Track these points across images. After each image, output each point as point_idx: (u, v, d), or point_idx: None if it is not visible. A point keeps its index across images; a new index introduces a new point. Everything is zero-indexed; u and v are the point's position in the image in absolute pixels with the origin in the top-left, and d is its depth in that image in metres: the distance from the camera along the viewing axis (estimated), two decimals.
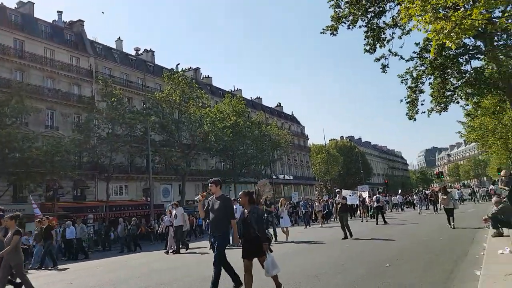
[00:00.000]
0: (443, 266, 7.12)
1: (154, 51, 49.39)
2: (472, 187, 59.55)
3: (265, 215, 13.15)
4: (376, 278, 6.53)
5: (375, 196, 22.31)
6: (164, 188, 41.24)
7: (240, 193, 6.32)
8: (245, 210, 5.94)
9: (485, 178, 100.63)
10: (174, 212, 14.07)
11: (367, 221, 22.44)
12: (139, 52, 48.37)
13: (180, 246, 13.91)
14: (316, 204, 23.75)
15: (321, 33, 13.27)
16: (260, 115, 51.13)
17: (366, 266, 7.76)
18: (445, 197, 14.68)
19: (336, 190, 20.43)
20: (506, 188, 9.88)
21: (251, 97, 65.36)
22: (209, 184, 6.32)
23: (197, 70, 55.37)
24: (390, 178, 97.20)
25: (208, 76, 57.47)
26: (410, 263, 7.81)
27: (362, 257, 9.03)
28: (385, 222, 18.42)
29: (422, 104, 13.68)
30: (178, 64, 48.59)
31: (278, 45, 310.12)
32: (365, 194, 26.58)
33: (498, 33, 11.25)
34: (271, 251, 5.94)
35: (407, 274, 6.73)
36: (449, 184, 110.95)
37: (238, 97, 44.53)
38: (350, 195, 23.09)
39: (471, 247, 9.08)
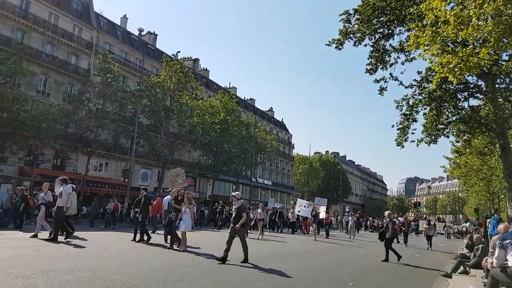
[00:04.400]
0: None
1: (157, 35, 48.94)
2: (447, 223, 60.47)
3: (171, 214, 11.49)
4: None
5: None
6: (143, 172, 40.85)
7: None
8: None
9: (460, 216, 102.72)
10: (60, 189, 11.05)
11: (315, 239, 19.66)
12: (142, 33, 47.90)
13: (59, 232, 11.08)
14: (258, 211, 20.10)
15: (326, 45, 13.34)
16: (250, 116, 51.08)
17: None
18: (427, 226, 21.45)
19: (295, 200, 20.25)
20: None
21: (244, 97, 65.35)
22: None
23: (196, 61, 55.05)
24: (367, 200, 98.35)
25: (206, 69, 57.18)
26: (374, 285, 7.83)
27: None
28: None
29: (413, 133, 13.82)
30: (179, 51, 48.08)
31: (282, 51, 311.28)
32: (322, 209, 24.15)
33: (501, 76, 11.45)
34: None
35: None
36: (425, 216, 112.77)
37: (231, 95, 44.36)
38: (305, 206, 21.98)
39: (436, 281, 9.14)
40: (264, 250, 12.89)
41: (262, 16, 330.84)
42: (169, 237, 11.74)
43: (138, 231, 12.70)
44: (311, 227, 22.04)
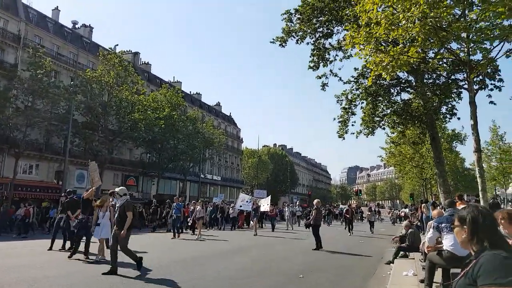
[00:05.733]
0: (353, 283, 7.49)
1: (93, 27, 46.24)
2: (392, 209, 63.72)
3: (83, 217, 9.95)
4: None
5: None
6: (79, 173, 38.43)
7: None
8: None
9: (398, 201, 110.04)
10: None
11: (256, 234, 18.76)
12: (77, 26, 44.98)
13: None
14: (197, 209, 18.03)
15: (271, 42, 13.61)
16: (197, 111, 50.26)
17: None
18: (369, 213, 25.88)
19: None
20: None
21: (190, 91, 64.10)
22: None
23: (136, 54, 52.90)
24: (313, 190, 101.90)
25: (148, 62, 55.22)
26: (322, 275, 8.13)
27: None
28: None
29: (352, 125, 14.52)
30: (117, 45, 46.13)
31: (227, 44, 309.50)
32: (265, 202, 22.92)
33: (429, 72, 12.41)
34: None
35: (319, 287, 6.95)
36: (366, 202, 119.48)
37: (176, 89, 43.19)
38: (247, 201, 21.92)
39: (379, 266, 9.71)
40: (199, 251, 12.02)
41: (207, 8, 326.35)
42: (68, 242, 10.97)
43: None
44: (251, 222, 21.38)
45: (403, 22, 6.65)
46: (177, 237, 16.84)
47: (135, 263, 7.93)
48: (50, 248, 11.51)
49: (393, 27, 6.87)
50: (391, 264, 9.50)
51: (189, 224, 19.74)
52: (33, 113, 28.18)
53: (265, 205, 22.49)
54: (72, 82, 34.39)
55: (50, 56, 34.90)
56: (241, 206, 22.41)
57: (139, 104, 34.68)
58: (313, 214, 13.21)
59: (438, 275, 5.92)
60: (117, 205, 8.22)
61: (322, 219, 25.21)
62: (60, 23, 41.44)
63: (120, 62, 34.15)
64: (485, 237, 1.93)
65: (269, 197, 24.68)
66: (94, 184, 10.89)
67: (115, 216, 8.04)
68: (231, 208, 25.71)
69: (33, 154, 32.85)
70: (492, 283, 1.72)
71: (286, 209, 25.75)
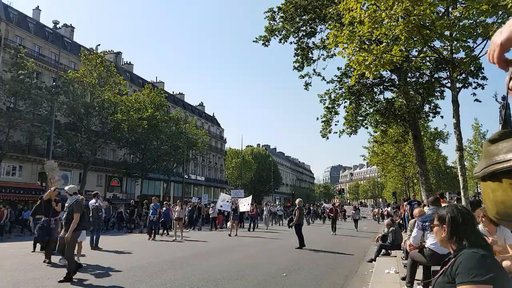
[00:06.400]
0: (335, 281, 7.50)
1: (74, 27, 45.52)
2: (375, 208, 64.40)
3: (45, 219, 9.45)
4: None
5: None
6: (63, 174, 37.60)
7: None
8: None
9: (380, 199, 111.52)
10: None
11: (236, 235, 18.43)
12: (58, 26, 44.16)
13: None
14: (176, 209, 17.07)
15: (253, 41, 13.44)
16: (180, 111, 49.87)
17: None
18: (354, 212, 26.28)
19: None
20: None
21: (173, 92, 63.61)
22: None
23: (118, 54, 52.14)
24: (297, 189, 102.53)
25: (130, 62, 54.50)
26: (305, 273, 8.11)
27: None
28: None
29: (335, 125, 14.50)
30: (99, 45, 45.37)
31: (209, 44, 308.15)
32: (245, 201, 22.23)
33: (412, 70, 12.51)
34: None
35: (302, 285, 6.93)
36: (348, 201, 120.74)
37: (158, 89, 42.72)
38: (227, 201, 21.44)
39: (361, 264, 9.76)
40: (181, 252, 11.85)
41: (189, 7, 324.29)
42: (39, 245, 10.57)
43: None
44: (228, 222, 20.60)
45: (386, 20, 6.66)
46: (152, 239, 16.23)
47: (66, 272, 6.98)
48: (33, 250, 11.27)
49: (376, 26, 6.88)
50: (373, 262, 9.57)
51: (168, 226, 19.34)
52: (15, 114, 27.75)
53: (245, 204, 21.88)
54: (54, 83, 33.73)
55: (32, 56, 34.26)
56: (221, 206, 21.89)
57: (121, 105, 34.24)
58: (296, 214, 13.19)
59: (419, 273, 5.96)
60: (66, 205, 7.53)
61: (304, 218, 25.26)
62: (41, 23, 40.70)
63: (102, 63, 33.70)
64: (464, 236, 1.94)
65: (250, 196, 23.98)
66: (53, 184, 10.28)
67: (63, 217, 7.45)
68: (211, 208, 25.28)
69: (16, 155, 32.27)
70: (470, 281, 1.72)
71: (264, 209, 25.60)
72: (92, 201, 12.66)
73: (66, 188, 7.87)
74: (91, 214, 12.59)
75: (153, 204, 17.48)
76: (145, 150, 39.84)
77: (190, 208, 24.61)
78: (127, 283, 6.86)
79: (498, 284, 1.70)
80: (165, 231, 19.53)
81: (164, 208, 18.50)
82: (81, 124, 33.35)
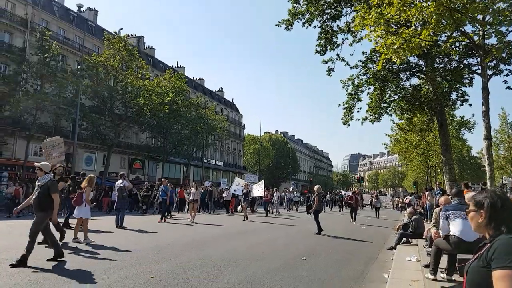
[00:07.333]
0: (355, 266, 7.49)
1: (97, 11, 46.15)
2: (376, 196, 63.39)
3: None
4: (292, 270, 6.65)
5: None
6: (87, 156, 38.91)
7: None
8: None
9: (400, 189, 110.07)
10: None
11: (246, 219, 17.93)
12: (82, 9, 44.79)
13: None
14: (192, 191, 16.99)
15: (276, 25, 13.23)
16: (200, 97, 50.14)
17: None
18: (375, 200, 27.10)
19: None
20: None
21: (193, 77, 63.92)
22: None
23: (140, 38, 52.59)
24: (314, 176, 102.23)
25: (152, 47, 54.90)
26: (325, 258, 8.15)
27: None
28: None
29: (358, 111, 14.26)
30: (121, 28, 46.26)
31: (232, 30, 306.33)
32: (258, 187, 21.79)
33: (440, 56, 12.10)
34: None
35: (322, 269, 6.97)
36: (367, 190, 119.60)
37: (179, 74, 43.00)
38: (242, 186, 20.67)
39: (382, 252, 9.71)
40: (200, 234, 11.89)
41: None
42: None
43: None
44: (239, 206, 20.12)
45: (417, 1, 6.43)
46: (164, 220, 15.57)
47: (19, 257, 6.15)
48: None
49: (405, 8, 6.66)
50: (394, 249, 9.50)
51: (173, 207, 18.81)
52: (42, 96, 28.52)
53: (259, 190, 21.53)
54: (79, 66, 34.45)
55: (57, 40, 34.96)
56: (235, 190, 21.85)
57: (144, 89, 34.65)
58: (316, 201, 13.13)
59: (442, 261, 5.89)
60: (37, 183, 6.59)
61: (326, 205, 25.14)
62: (66, 6, 41.38)
63: (125, 47, 34.09)
64: (503, 222, 1.89)
65: (263, 181, 23.54)
66: (51, 161, 9.97)
67: (34, 197, 6.51)
68: (225, 192, 25.28)
69: (43, 137, 32.84)
70: (506, 265, 1.69)
71: (275, 194, 24.67)
72: (119, 182, 12.95)
73: (40, 164, 6.65)
74: (116, 194, 12.94)
75: (162, 186, 16.92)
76: (166, 134, 40.44)
77: (202, 191, 23.55)
78: (152, 260, 7.07)
79: None
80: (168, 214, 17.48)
81: (170, 189, 17.30)
82: (105, 107, 34.02)
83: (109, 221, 14.20)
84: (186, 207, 22.25)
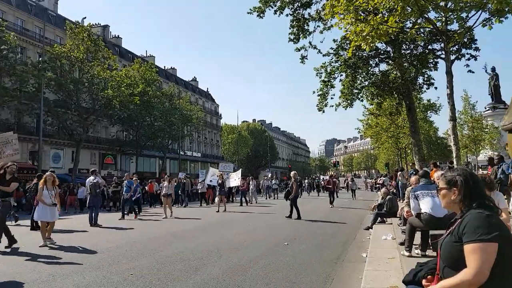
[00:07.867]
0: (335, 248, 7.76)
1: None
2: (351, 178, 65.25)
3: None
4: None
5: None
6: (55, 153, 37.50)
7: None
8: None
9: (373, 171, 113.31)
10: None
11: (225, 210, 17.40)
12: None
13: None
14: (164, 185, 16.05)
15: (248, 13, 13.18)
16: (173, 87, 49.20)
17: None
18: (351, 182, 28.36)
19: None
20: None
21: (164, 67, 62.44)
22: None
23: (105, 28, 50.84)
24: (293, 163, 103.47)
25: (118, 36, 53.20)
26: (306, 242, 8.40)
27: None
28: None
29: (332, 98, 14.56)
30: (85, 17, 44.18)
31: (201, 16, 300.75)
32: (235, 176, 21.29)
33: (406, 42, 12.50)
34: None
35: (304, 253, 7.19)
36: (343, 173, 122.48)
37: (149, 64, 41.89)
38: (217, 176, 19.94)
39: (359, 232, 10.08)
40: (176, 227, 11.70)
41: None
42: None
43: None
44: (216, 198, 19.33)
45: None
46: (135, 217, 14.70)
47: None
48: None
49: None
50: (370, 229, 9.88)
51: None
52: (1, 91, 27.14)
53: (236, 179, 21.14)
54: (40, 58, 32.87)
55: (14, 31, 33.12)
56: (211, 181, 20.96)
57: (112, 80, 33.60)
58: (294, 187, 13.40)
59: (417, 238, 6.20)
60: None
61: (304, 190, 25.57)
62: None
63: (89, 36, 32.76)
64: (476, 198, 2.01)
65: (239, 171, 23.06)
66: (3, 159, 9.45)
67: None
68: (199, 184, 24.30)
69: None
70: (476, 239, 1.82)
71: (251, 183, 23.66)
72: (91, 178, 12.61)
73: None
74: (89, 191, 12.64)
75: (126, 181, 15.79)
76: (139, 127, 39.58)
77: (176, 183, 21.62)
78: (130, 257, 6.98)
79: (503, 242, 1.82)
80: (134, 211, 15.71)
81: (134, 185, 15.83)
82: (70, 100, 32.67)
83: (81, 220, 13.97)
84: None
